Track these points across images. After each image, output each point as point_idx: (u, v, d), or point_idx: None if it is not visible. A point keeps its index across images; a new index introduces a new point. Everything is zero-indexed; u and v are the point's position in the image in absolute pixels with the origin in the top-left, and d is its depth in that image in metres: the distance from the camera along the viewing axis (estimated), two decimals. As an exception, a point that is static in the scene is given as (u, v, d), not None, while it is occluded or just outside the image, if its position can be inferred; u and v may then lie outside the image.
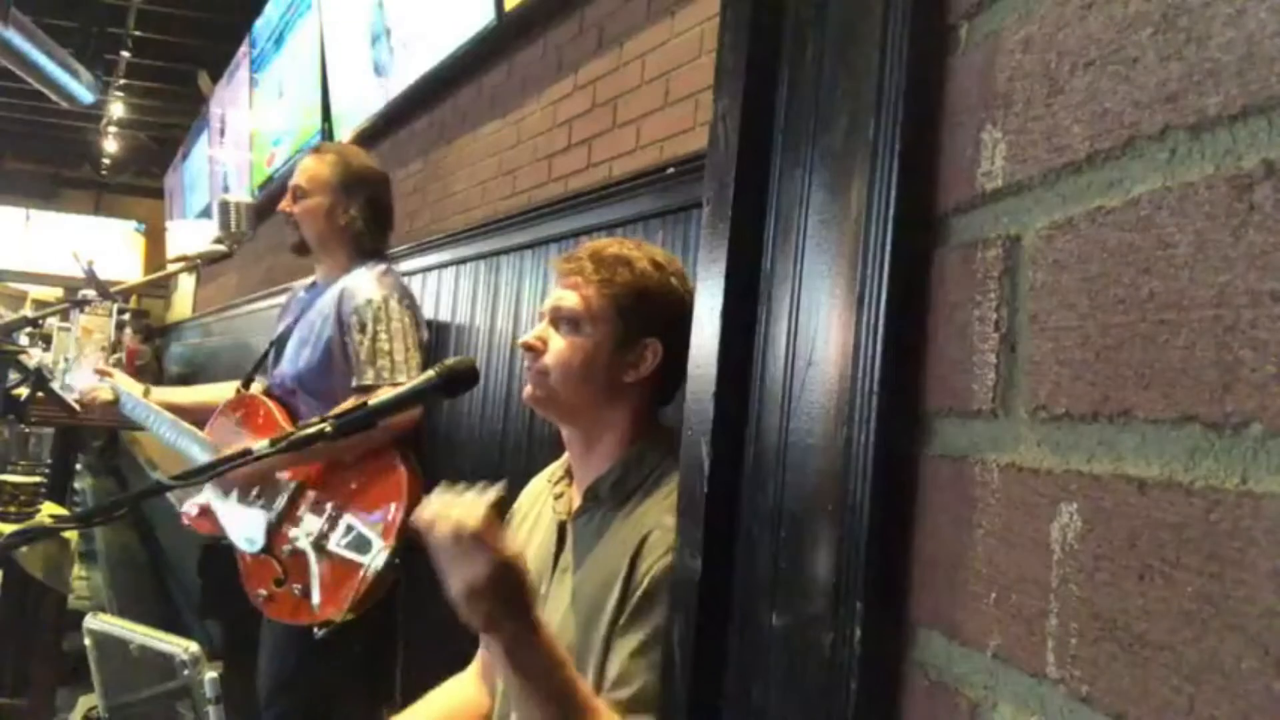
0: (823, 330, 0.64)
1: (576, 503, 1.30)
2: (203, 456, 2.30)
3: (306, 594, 2.10)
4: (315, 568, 2.10)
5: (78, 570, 3.75)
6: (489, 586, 0.97)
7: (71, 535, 2.81)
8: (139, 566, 5.79)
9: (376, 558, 2.01)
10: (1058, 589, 0.45)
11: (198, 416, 2.43)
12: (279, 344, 2.36)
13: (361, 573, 2.02)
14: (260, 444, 1.25)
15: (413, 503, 2.03)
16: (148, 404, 2.43)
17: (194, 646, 1.11)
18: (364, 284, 2.17)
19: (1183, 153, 0.41)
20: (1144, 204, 0.43)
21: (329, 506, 2.12)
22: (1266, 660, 0.35)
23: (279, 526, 2.18)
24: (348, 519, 2.09)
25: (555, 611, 1.23)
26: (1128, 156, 0.44)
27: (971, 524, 0.51)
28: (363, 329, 2.12)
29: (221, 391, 2.51)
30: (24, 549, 2.50)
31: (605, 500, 1.25)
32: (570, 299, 1.24)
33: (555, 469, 1.39)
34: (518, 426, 2.50)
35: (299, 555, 2.13)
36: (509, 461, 2.49)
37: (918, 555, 0.56)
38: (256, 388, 2.41)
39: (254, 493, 2.22)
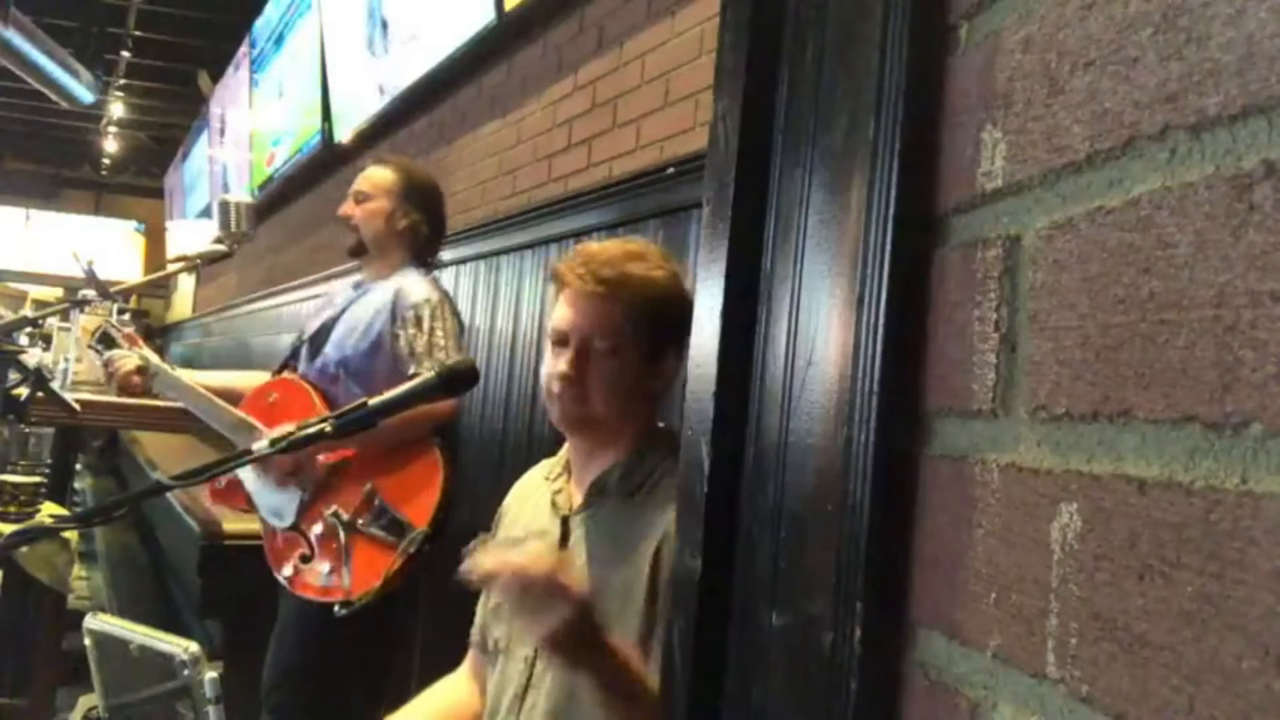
0: (823, 330, 0.64)
1: (579, 498, 1.31)
2: (239, 436, 2.33)
3: (336, 572, 2.14)
4: (345, 547, 2.14)
5: (78, 570, 3.75)
6: (570, 632, 1.02)
7: (71, 535, 2.81)
8: (139, 566, 5.79)
9: (412, 541, 2.06)
10: (1058, 589, 0.45)
11: (224, 398, 2.47)
12: (318, 335, 2.40)
13: (396, 555, 2.07)
14: (261, 444, 1.25)
15: (447, 488, 2.12)
16: (179, 376, 2.47)
17: (194, 646, 1.11)
18: (419, 285, 2.28)
19: (1183, 153, 0.41)
20: (1144, 204, 0.43)
21: (364, 488, 2.16)
22: (1266, 660, 0.35)
23: (311, 505, 2.22)
24: (382, 501, 2.14)
25: None
26: (1128, 156, 0.44)
27: (971, 524, 0.51)
28: (419, 324, 2.21)
29: (241, 379, 2.56)
30: (24, 549, 2.50)
31: (613, 493, 1.27)
32: (603, 322, 1.25)
33: (552, 465, 1.40)
34: (518, 426, 2.50)
35: (330, 534, 2.17)
36: (509, 461, 2.50)
37: (918, 555, 0.56)
38: (289, 376, 2.44)
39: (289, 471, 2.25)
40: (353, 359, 2.29)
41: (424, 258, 2.40)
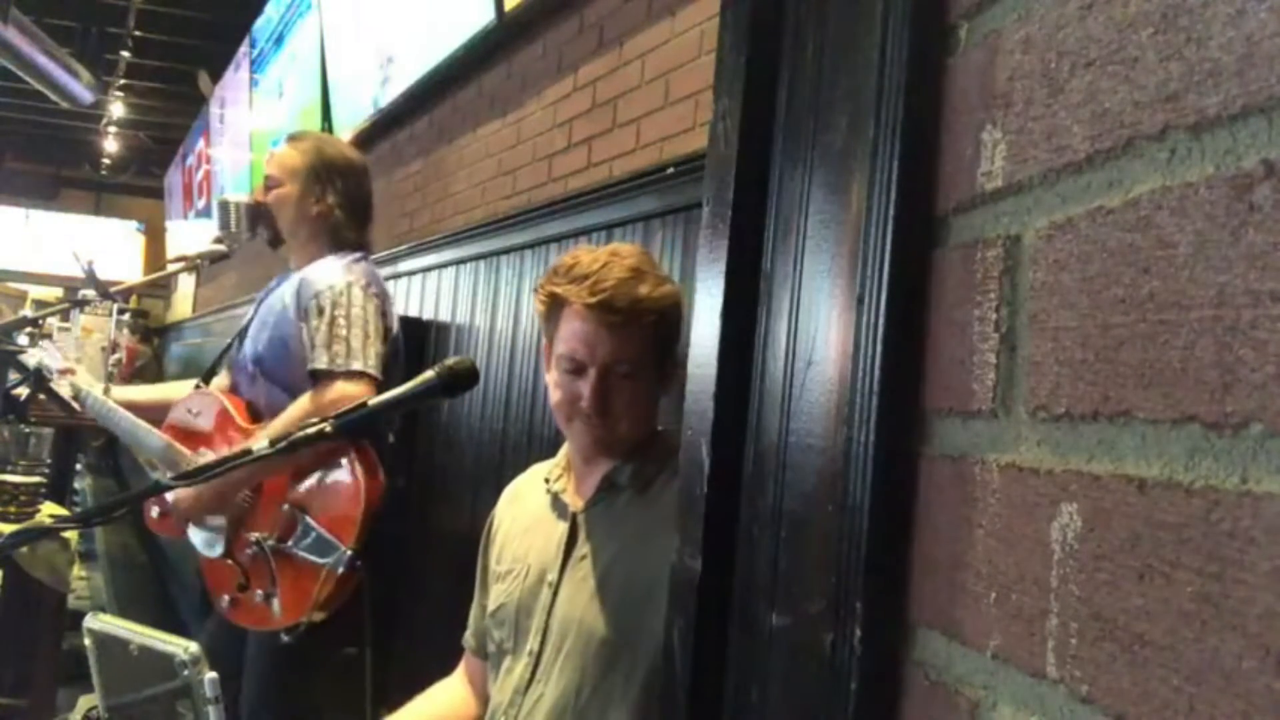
0: (823, 330, 0.64)
1: (583, 496, 1.32)
2: (167, 461, 2.27)
3: (269, 599, 2.05)
4: (275, 572, 2.05)
5: (78, 570, 3.75)
6: None
7: (71, 535, 2.81)
8: (139, 566, 5.80)
9: (339, 561, 1.96)
10: (1058, 589, 0.45)
11: (156, 414, 2.40)
12: (243, 331, 2.33)
13: (322, 575, 1.97)
14: (261, 444, 1.25)
15: (371, 500, 2.00)
16: (105, 400, 2.41)
17: (194, 646, 1.11)
18: (327, 270, 2.13)
19: (1183, 153, 0.41)
20: (1144, 204, 0.43)
21: (286, 508, 2.06)
22: (1266, 660, 0.35)
23: (238, 530, 2.13)
24: (306, 520, 2.04)
25: (579, 595, 1.26)
26: (1128, 156, 0.44)
27: (971, 524, 0.51)
28: (320, 313, 2.06)
29: (181, 390, 2.50)
30: (24, 549, 2.50)
31: (625, 487, 1.29)
32: (621, 351, 1.25)
33: (551, 468, 1.40)
34: (518, 427, 2.50)
35: (260, 559, 2.08)
36: (509, 461, 2.49)
37: (918, 555, 0.56)
38: (218, 383, 2.38)
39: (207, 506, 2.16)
40: (265, 356, 2.19)
41: (353, 244, 2.24)
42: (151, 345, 10.08)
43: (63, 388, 2.44)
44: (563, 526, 1.32)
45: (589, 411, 1.26)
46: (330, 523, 2.02)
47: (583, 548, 1.30)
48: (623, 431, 1.28)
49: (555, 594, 1.29)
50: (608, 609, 1.24)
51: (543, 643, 1.28)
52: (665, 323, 1.28)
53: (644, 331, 1.25)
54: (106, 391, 2.47)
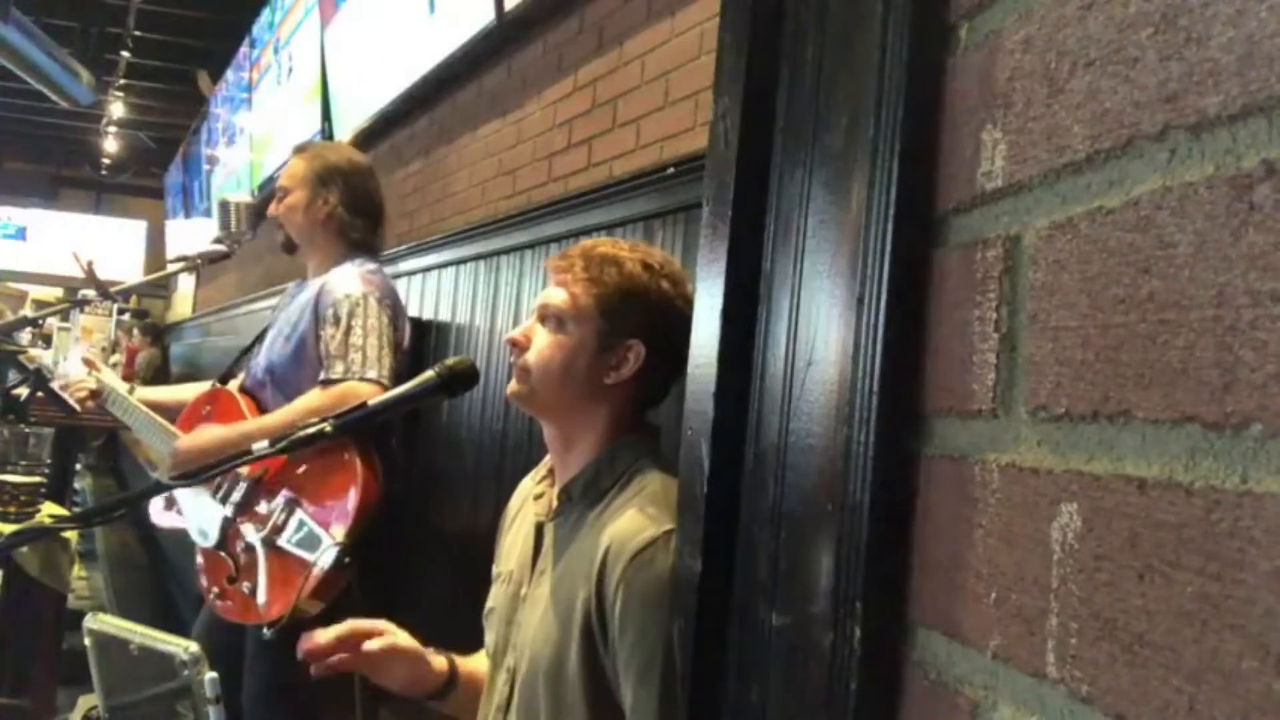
0: (823, 330, 0.64)
1: (554, 504, 1.28)
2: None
3: (254, 592, 2.05)
4: (263, 565, 2.04)
5: (78, 570, 3.75)
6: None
7: (71, 535, 2.81)
8: (139, 566, 5.80)
9: (324, 555, 1.94)
10: (1058, 589, 0.45)
11: (178, 414, 2.41)
12: (260, 338, 2.35)
13: (307, 571, 1.95)
14: (261, 444, 1.25)
15: (366, 498, 1.99)
16: (127, 398, 2.43)
17: (194, 646, 1.11)
18: (346, 279, 2.16)
19: (1183, 153, 0.41)
20: (1144, 204, 0.43)
21: (282, 501, 2.07)
22: (1266, 660, 0.35)
23: (234, 522, 2.14)
24: (300, 515, 2.04)
25: (534, 613, 1.22)
26: (1128, 156, 0.44)
27: (971, 524, 0.51)
28: (337, 322, 2.08)
29: (198, 392, 2.51)
30: (24, 549, 2.50)
31: (578, 502, 1.23)
32: (557, 296, 1.23)
33: (540, 469, 1.38)
34: (518, 426, 2.50)
35: (250, 552, 2.08)
36: (509, 461, 2.49)
37: (918, 555, 0.56)
38: (233, 385, 2.39)
39: (215, 483, 2.17)
40: (278, 364, 2.20)
41: (362, 245, 2.26)
42: (161, 346, 10.02)
43: (88, 381, 2.45)
44: (532, 537, 1.28)
45: (511, 348, 1.27)
46: (323, 517, 2.02)
47: (542, 563, 1.24)
48: (535, 385, 1.23)
49: (524, 607, 1.25)
50: (548, 631, 1.17)
51: (516, 662, 1.23)
52: (615, 293, 1.21)
53: (585, 288, 1.21)
54: (131, 391, 2.48)
